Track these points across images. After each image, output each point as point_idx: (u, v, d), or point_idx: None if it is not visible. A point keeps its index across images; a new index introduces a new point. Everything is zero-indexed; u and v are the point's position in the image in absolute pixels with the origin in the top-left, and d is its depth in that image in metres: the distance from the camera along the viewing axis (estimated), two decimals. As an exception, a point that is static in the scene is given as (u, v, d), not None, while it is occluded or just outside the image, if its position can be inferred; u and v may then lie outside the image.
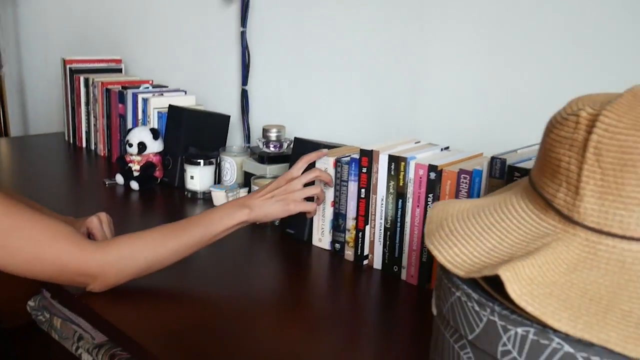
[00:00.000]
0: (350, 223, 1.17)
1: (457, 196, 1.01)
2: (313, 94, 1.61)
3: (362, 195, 1.14)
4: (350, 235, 1.18)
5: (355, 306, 1.01)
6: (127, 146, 1.60)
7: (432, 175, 1.03)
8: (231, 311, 0.96)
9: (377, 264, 1.15)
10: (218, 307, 0.98)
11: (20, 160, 1.91)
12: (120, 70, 2.09)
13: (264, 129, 1.53)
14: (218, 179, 1.59)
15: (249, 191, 1.50)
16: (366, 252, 1.16)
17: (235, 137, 1.80)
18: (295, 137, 1.34)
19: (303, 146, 1.30)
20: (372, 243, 1.15)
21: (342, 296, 1.05)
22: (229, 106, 1.80)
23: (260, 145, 1.53)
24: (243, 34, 1.70)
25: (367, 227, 1.15)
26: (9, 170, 1.80)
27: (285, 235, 1.31)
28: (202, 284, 1.07)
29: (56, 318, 1.36)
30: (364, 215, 1.14)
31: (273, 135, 1.52)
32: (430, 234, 0.64)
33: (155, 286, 1.02)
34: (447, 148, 1.19)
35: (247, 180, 1.54)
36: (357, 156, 1.15)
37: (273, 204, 1.11)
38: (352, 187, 1.16)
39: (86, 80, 1.94)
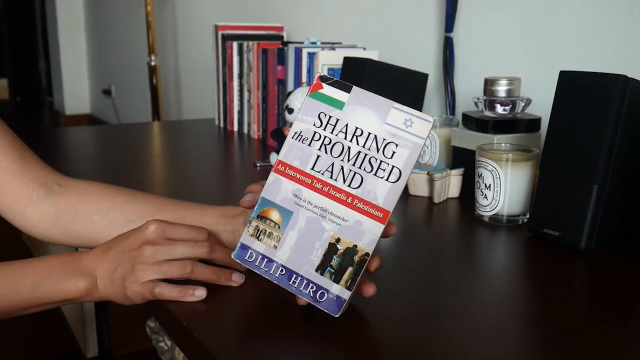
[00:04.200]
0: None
1: None
2: (560, 43, 1.06)
3: None
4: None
5: None
6: (286, 112, 1.16)
7: None
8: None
9: None
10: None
11: (168, 143, 1.58)
12: (281, 39, 1.68)
13: (487, 82, 1.00)
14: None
15: (464, 174, 0.98)
16: None
17: (431, 103, 1.30)
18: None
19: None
20: None
21: None
22: (424, 63, 1.30)
23: (480, 107, 1.01)
24: (448, -41, 1.20)
25: None
26: (155, 152, 1.46)
27: (542, 237, 0.77)
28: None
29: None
30: None
31: (502, 89, 0.99)
32: None
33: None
34: None
35: (456, 159, 1.03)
36: None
37: (113, 281, 0.59)
38: None
39: (240, 47, 1.55)
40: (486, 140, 0.94)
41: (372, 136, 0.54)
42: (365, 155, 0.54)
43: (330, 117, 0.55)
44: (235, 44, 1.56)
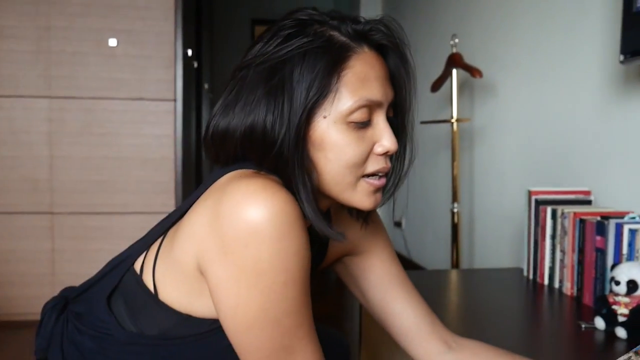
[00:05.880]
0: None
1: None
2: None
3: None
4: None
5: None
6: (612, 284, 1.34)
7: None
8: None
9: None
10: None
11: (470, 292, 1.84)
12: (588, 202, 1.87)
13: None
14: None
15: None
16: None
17: None
18: None
19: None
20: None
21: None
22: None
23: None
24: None
25: None
26: (458, 302, 1.73)
27: None
28: None
29: None
30: None
31: None
32: None
33: None
34: None
35: None
36: None
37: None
38: None
39: (553, 212, 1.78)
40: None
41: None
42: None
43: None
44: (549, 210, 1.80)
